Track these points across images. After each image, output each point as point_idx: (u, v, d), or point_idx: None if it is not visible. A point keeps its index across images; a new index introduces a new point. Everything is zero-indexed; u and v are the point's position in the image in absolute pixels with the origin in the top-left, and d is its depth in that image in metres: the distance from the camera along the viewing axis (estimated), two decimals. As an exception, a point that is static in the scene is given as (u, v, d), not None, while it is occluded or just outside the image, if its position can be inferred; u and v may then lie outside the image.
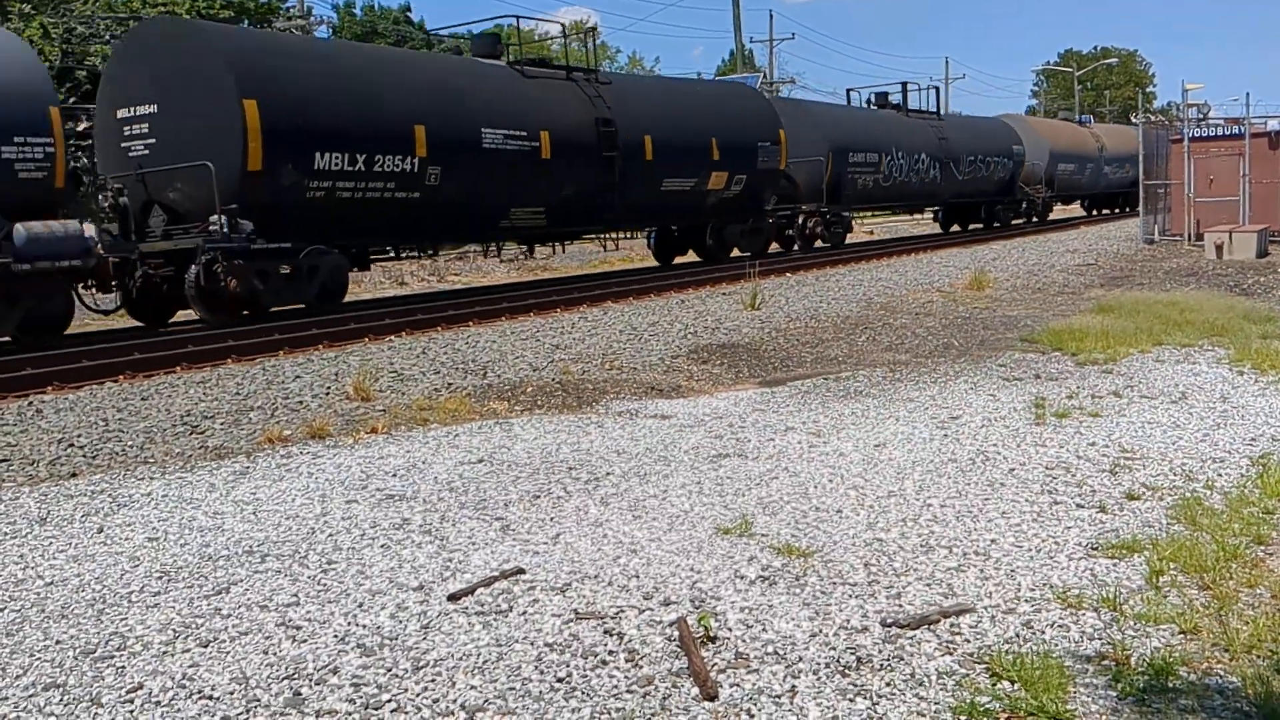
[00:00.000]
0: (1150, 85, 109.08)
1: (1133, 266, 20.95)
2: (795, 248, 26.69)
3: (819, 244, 27.12)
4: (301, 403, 9.05)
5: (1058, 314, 14.24)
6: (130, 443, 7.80)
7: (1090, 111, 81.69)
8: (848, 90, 35.17)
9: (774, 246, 26.22)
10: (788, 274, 20.40)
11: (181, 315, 15.49)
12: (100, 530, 5.72)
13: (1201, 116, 27.36)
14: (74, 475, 7.04)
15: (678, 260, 24.46)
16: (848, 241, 28.89)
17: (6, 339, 12.99)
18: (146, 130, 14.69)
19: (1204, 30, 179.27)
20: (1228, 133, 25.11)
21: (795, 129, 25.11)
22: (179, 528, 5.70)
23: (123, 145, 14.85)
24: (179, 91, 14.37)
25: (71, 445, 7.73)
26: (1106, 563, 4.70)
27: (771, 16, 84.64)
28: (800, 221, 26.42)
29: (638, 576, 4.69)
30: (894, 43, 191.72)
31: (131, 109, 14.85)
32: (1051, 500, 5.68)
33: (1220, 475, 6.09)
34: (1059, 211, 45.02)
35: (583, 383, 9.96)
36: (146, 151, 14.66)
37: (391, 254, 19.65)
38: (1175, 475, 6.13)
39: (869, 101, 32.78)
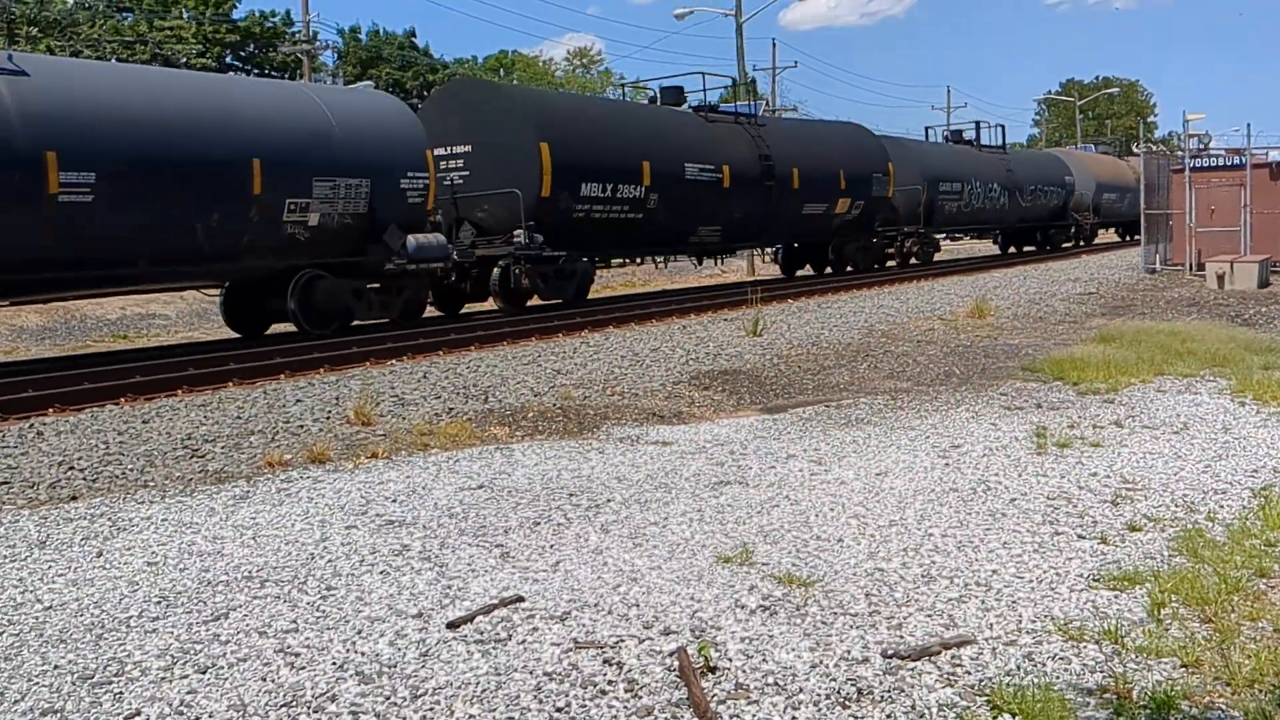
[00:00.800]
0: (1151, 115, 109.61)
1: (1134, 295, 20.97)
2: (892, 264, 30.51)
3: (913, 261, 31.24)
4: (302, 427, 9.05)
5: (1059, 342, 14.25)
6: (130, 466, 7.80)
7: (1092, 141, 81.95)
8: (925, 128, 39.31)
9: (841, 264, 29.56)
10: (790, 300, 20.43)
11: (276, 328, 16.94)
12: (100, 554, 5.71)
13: (1202, 147, 27.39)
14: (74, 498, 7.03)
15: (797, 273, 29.46)
16: (932, 260, 32.79)
17: (385, 319, 16.71)
18: (461, 165, 18.96)
19: (1205, 61, 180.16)
20: (1229, 163, 25.18)
21: (897, 162, 29.26)
22: (178, 552, 5.69)
23: (438, 175, 18.06)
24: (489, 136, 18.74)
25: (72, 468, 7.73)
26: (1108, 594, 4.69)
27: (775, 45, 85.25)
28: (899, 242, 30.51)
29: (638, 605, 4.68)
30: (895, 71, 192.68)
31: (448, 148, 18.95)
32: (1053, 531, 5.67)
33: (1222, 507, 6.08)
34: (1100, 236, 48.42)
35: (584, 408, 9.96)
36: (460, 181, 18.84)
37: (620, 262, 24.94)
38: (1177, 506, 6.11)
39: (945, 137, 37.72)
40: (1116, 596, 4.66)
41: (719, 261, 33.03)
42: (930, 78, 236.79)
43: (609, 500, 6.56)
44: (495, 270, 18.50)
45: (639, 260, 26.12)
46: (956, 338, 14.95)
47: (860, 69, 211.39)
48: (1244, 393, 9.87)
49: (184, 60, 37.03)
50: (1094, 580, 4.87)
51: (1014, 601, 4.63)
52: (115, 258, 13.13)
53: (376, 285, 16.33)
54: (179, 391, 10.92)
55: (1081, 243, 43.50)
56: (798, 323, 16.22)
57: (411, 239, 16.28)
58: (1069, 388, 10.61)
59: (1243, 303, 18.94)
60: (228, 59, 44.41)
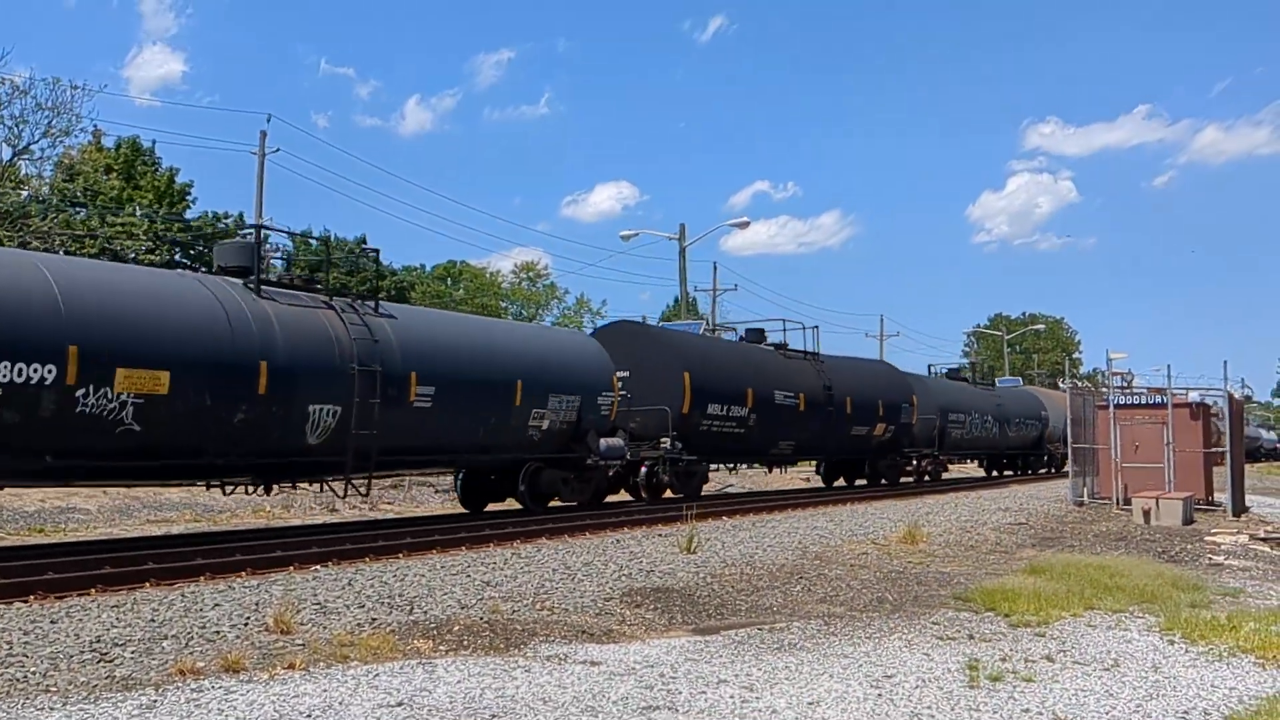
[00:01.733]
0: (1076, 351, 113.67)
1: (1063, 527, 21.22)
2: (909, 480, 34.91)
3: (926, 477, 35.88)
4: (219, 633, 8.72)
5: (990, 572, 14.30)
6: (33, 669, 7.42)
7: (1019, 374, 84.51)
8: (929, 365, 45.68)
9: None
10: (724, 518, 20.40)
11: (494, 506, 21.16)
12: (-12, 765, 5.37)
13: (1125, 385, 28.39)
14: (-33, 702, 6.65)
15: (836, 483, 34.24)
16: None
17: (574, 503, 20.99)
18: (622, 385, 22.67)
19: (1125, 302, 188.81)
20: (1151, 401, 26.02)
21: (917, 395, 34.45)
22: (73, 765, 5.37)
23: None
24: (645, 364, 23.87)
25: (-31, 669, 7.34)
26: (1043, 840, 4.56)
27: (715, 269, 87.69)
28: (916, 461, 35.01)
29: (558, 839, 4.46)
30: (830, 298, 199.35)
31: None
32: (986, 770, 5.55)
33: (1154, 749, 6.01)
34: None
35: (511, 622, 9.73)
36: (625, 394, 22.80)
37: (731, 466, 31.20)
38: (1110, 747, 6.03)
39: (942, 374, 42.30)
40: (1051, 843, 4.53)
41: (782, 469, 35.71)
42: (864, 306, 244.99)
43: (533, 723, 6.34)
44: (643, 469, 23.44)
45: (732, 466, 32.11)
46: (889, 563, 14.95)
47: (797, 294, 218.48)
48: (1173, 630, 9.91)
49: (132, 256, 37.31)
50: (1028, 824, 4.75)
51: (947, 845, 4.48)
52: (438, 446, 18.01)
53: (575, 474, 20.94)
54: (93, 591, 10.53)
55: (1054, 469, 47.70)
56: (732, 541, 16.15)
57: (603, 442, 21.12)
58: (1000, 619, 10.60)
59: (1169, 539, 19.24)
60: (177, 256, 44.89)
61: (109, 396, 12.72)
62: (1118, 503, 24.61)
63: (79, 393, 12.41)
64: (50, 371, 12.15)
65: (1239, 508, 25.32)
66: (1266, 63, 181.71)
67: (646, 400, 23.46)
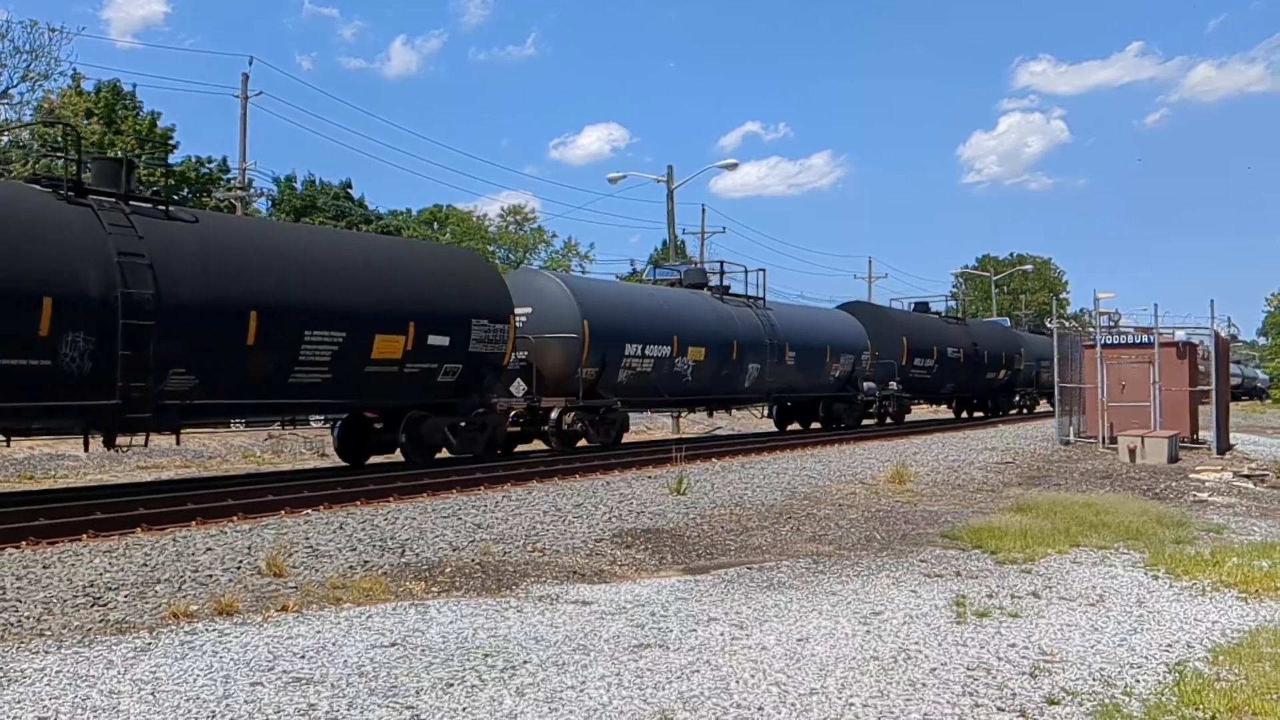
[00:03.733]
0: (1064, 291, 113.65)
1: (1049, 466, 21.39)
2: (864, 421, 33.59)
3: (889, 421, 34.74)
4: (211, 576, 8.76)
5: (977, 510, 14.42)
6: (27, 613, 7.46)
7: (1007, 314, 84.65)
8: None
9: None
10: (714, 460, 20.50)
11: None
12: (-16, 708, 5.41)
13: (1112, 324, 28.43)
14: (-38, 647, 6.69)
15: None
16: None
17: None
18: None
19: (1115, 242, 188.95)
20: (1138, 341, 26.10)
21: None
22: (71, 706, 5.41)
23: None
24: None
25: (-37, 614, 7.37)
26: (1028, 770, 4.64)
27: (704, 211, 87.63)
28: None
29: (552, 773, 4.53)
30: (820, 240, 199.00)
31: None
32: (973, 703, 5.64)
33: (1138, 681, 6.11)
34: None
35: (503, 564, 9.80)
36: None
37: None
38: (1094, 680, 6.13)
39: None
40: (1036, 772, 4.62)
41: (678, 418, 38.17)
42: (853, 248, 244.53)
43: (525, 662, 6.40)
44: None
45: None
46: (877, 502, 15.06)
47: (787, 236, 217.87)
48: (1157, 566, 10.03)
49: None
50: (1014, 755, 4.83)
51: (934, 776, 4.56)
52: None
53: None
54: (84, 536, 10.55)
55: (1025, 410, 46.71)
56: (721, 483, 16.24)
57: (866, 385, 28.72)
58: (987, 556, 10.70)
59: (1154, 477, 19.40)
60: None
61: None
62: (1104, 441, 24.77)
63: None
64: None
65: (1224, 445, 25.52)
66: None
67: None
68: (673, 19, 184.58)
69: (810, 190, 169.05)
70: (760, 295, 28.73)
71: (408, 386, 16.97)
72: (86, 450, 14.80)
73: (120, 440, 13.51)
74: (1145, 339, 26.00)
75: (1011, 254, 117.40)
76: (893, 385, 34.29)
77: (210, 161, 55.70)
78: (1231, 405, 34.02)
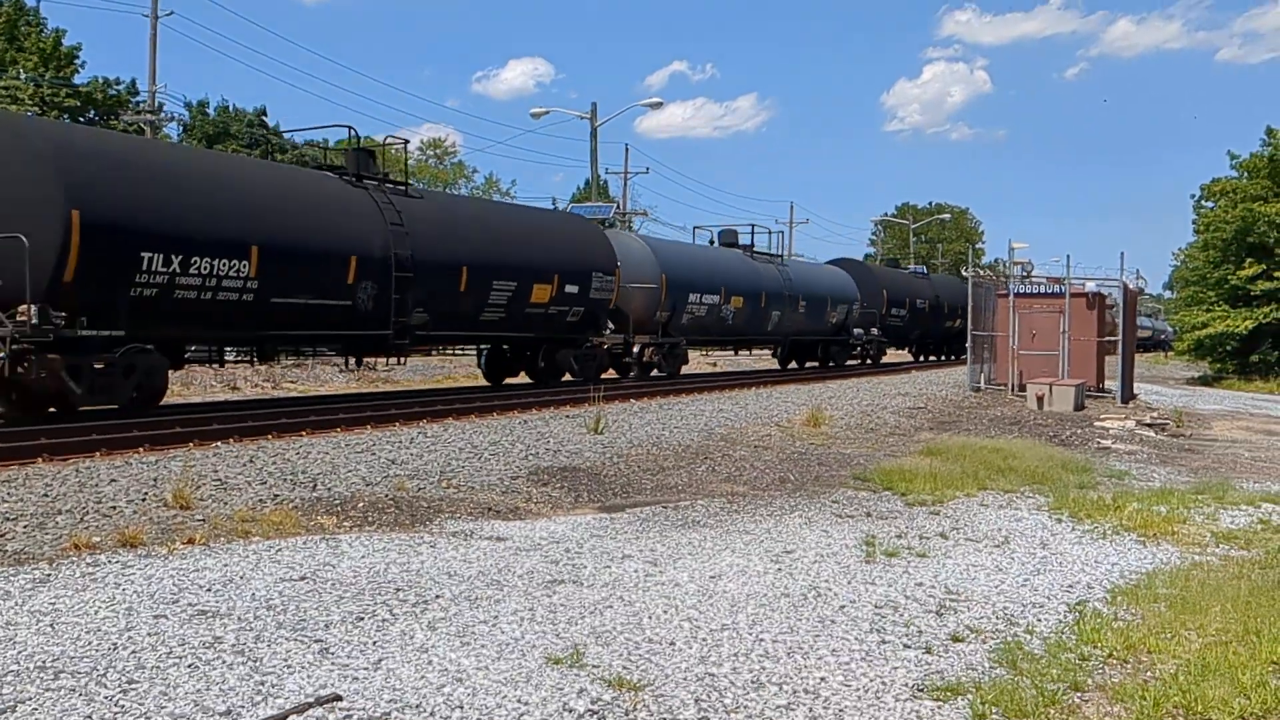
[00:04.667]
0: (980, 241, 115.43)
1: (960, 412, 21.80)
2: (849, 362, 38.23)
3: (869, 362, 39.49)
4: (115, 508, 8.55)
5: (889, 454, 14.65)
6: (-82, 543, 7.22)
7: (924, 262, 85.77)
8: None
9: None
10: (632, 400, 20.52)
11: None
12: (-128, 639, 5.22)
13: (1025, 274, 28.95)
14: None
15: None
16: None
17: None
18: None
19: (1031, 197, 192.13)
20: (1050, 291, 26.61)
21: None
22: (-37, 639, 5.25)
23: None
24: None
25: None
26: (931, 704, 4.74)
27: (627, 150, 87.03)
28: (862, 344, 37.99)
29: (461, 707, 4.51)
30: (744, 183, 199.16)
31: None
32: (880, 640, 5.73)
33: (1040, 620, 6.26)
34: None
35: (417, 500, 9.72)
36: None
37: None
38: (998, 619, 6.27)
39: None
40: (939, 707, 4.71)
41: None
42: (776, 193, 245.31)
43: (438, 596, 6.36)
44: None
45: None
46: (792, 445, 15.22)
47: (711, 179, 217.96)
48: (1060, 510, 10.29)
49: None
50: (918, 690, 4.93)
51: (840, 711, 4.63)
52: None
53: None
54: (-19, 465, 10.23)
55: (869, 360, 41.89)
56: (639, 423, 16.28)
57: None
58: (897, 498, 10.89)
59: (1060, 424, 19.88)
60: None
61: None
62: (1013, 389, 25.31)
63: None
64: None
65: (1128, 395, 26.23)
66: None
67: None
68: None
69: (735, 133, 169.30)
70: (779, 254, 34.37)
71: (550, 324, 22.06)
72: (348, 368, 24.94)
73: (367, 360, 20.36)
74: (1057, 289, 26.51)
75: (930, 203, 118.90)
76: (874, 331, 38.94)
77: (119, 83, 53.71)
78: (1137, 356, 34.94)
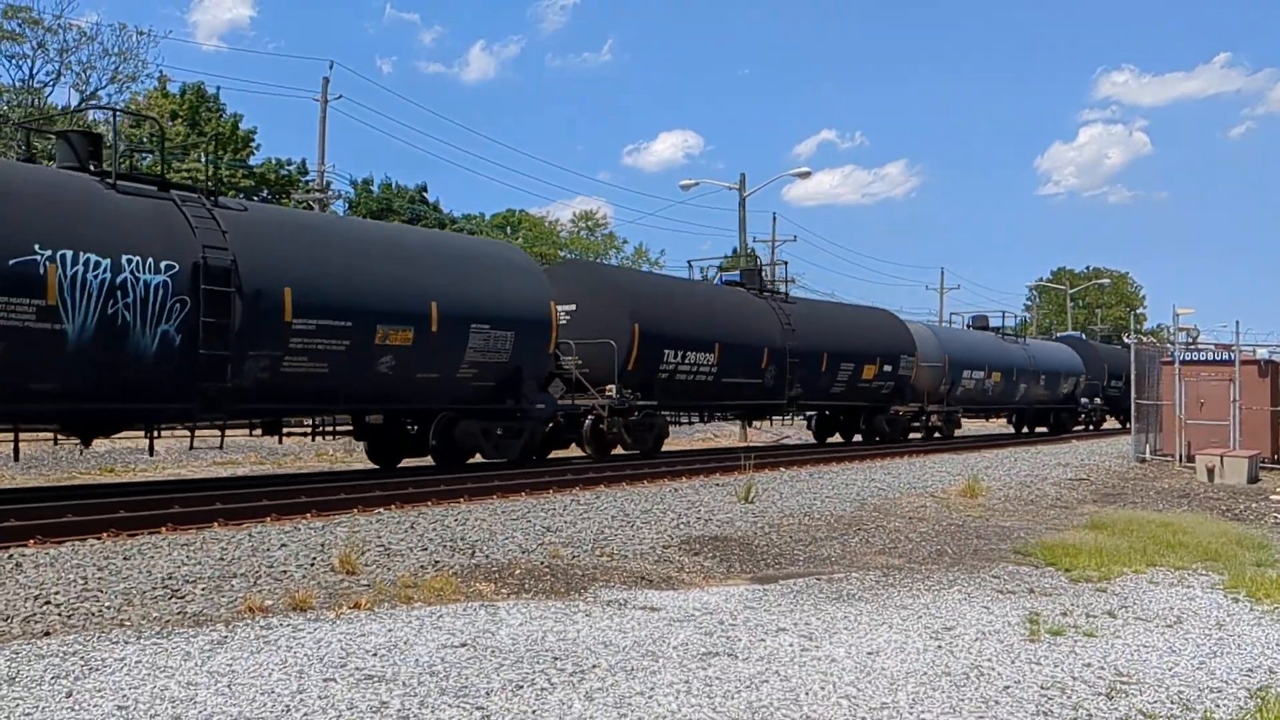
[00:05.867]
0: (1141, 306, 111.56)
1: (1125, 484, 20.98)
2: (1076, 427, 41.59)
3: (1091, 428, 43.54)
4: (285, 572, 8.91)
5: (1050, 527, 14.18)
6: (108, 603, 7.64)
7: (1082, 329, 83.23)
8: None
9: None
10: (782, 469, 20.41)
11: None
12: (69, 694, 5.54)
13: (1191, 341, 27.85)
14: (47, 634, 6.87)
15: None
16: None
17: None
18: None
19: (1194, 257, 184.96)
20: (1218, 358, 25.53)
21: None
22: (150, 697, 5.53)
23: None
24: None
25: (48, 602, 7.57)
26: (1105, 793, 4.56)
27: (775, 219, 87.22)
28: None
29: (621, 779, 4.53)
30: (893, 250, 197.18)
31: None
32: (1048, 722, 5.54)
33: (1218, 706, 5.96)
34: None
35: (572, 567, 9.83)
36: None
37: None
38: (1172, 703, 5.99)
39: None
40: (1114, 796, 4.53)
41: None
42: (926, 259, 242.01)
43: (594, 666, 6.42)
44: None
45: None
46: (948, 516, 14.88)
47: (859, 246, 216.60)
48: (1237, 589, 9.78)
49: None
50: (1091, 777, 4.74)
51: (1009, 796, 4.49)
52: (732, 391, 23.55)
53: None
54: (163, 529, 10.79)
55: (1092, 427, 47.65)
56: (790, 491, 16.16)
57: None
58: (1061, 574, 10.52)
59: (1233, 497, 18.94)
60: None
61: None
62: (1181, 460, 24.25)
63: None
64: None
65: (1307, 467, 24.84)
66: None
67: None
68: (747, 26, 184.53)
69: (884, 199, 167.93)
70: (1022, 335, 39.81)
71: (872, 395, 29.95)
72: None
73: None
74: (1225, 356, 25.42)
75: (1088, 267, 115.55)
76: (1097, 400, 42.42)
77: (290, 163, 56.68)
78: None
